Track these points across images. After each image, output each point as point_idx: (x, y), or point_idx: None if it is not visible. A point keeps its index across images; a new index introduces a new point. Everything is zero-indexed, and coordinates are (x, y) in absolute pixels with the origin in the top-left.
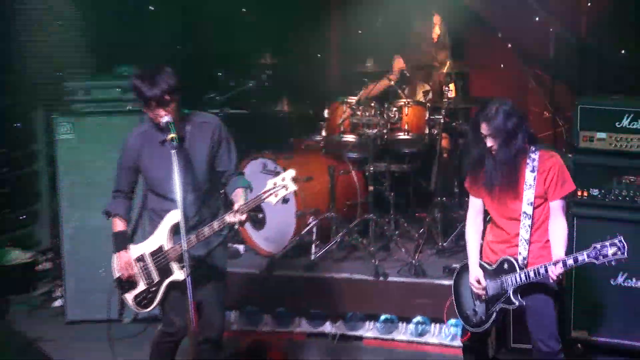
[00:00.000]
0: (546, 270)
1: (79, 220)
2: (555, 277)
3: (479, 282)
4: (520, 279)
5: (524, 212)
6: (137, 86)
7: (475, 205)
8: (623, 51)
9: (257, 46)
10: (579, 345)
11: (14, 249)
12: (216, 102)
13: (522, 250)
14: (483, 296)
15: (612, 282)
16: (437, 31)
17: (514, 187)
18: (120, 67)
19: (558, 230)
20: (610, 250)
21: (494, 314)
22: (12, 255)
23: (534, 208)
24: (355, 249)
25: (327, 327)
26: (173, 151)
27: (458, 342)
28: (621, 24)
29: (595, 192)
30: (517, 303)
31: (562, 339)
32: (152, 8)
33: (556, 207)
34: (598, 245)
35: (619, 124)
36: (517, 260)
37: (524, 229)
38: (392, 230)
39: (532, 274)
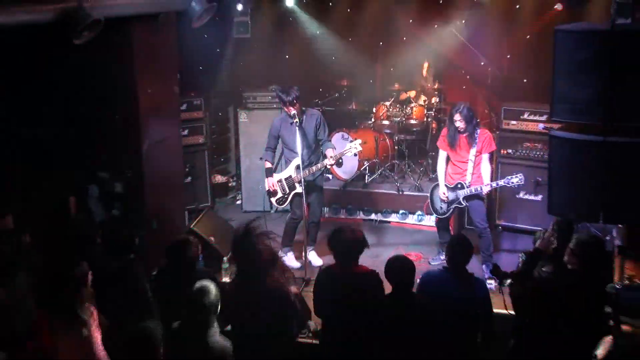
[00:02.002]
0: (481, 189)
1: (249, 161)
2: (485, 193)
3: (444, 194)
4: (466, 192)
5: (470, 159)
6: (280, 95)
7: (442, 155)
8: (525, 80)
9: (339, 74)
10: (500, 227)
11: (219, 174)
12: (318, 104)
13: (468, 178)
14: (446, 200)
15: (516, 196)
16: (425, 68)
17: (466, 145)
18: (271, 86)
19: (486, 169)
20: (515, 179)
21: (452, 209)
22: (217, 178)
23: (475, 157)
24: (387, 177)
25: (373, 216)
26: (297, 128)
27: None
28: (525, 64)
29: (510, 151)
30: (464, 204)
31: (491, 224)
32: (287, 56)
33: (485, 157)
34: (509, 177)
35: (522, 116)
36: (464, 183)
37: (469, 168)
38: (406, 168)
39: (473, 190)
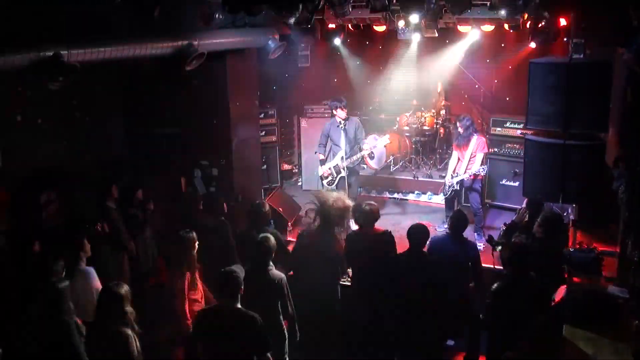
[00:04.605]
0: (464, 174)
1: (307, 154)
2: (467, 178)
3: (448, 181)
4: (457, 179)
5: (466, 157)
6: (334, 103)
7: (454, 154)
8: (507, 98)
9: (372, 93)
10: (488, 205)
11: (286, 163)
12: (357, 114)
13: (461, 169)
14: (447, 184)
15: (500, 183)
16: (439, 88)
17: (465, 148)
18: (324, 100)
19: (476, 163)
20: (482, 170)
21: (450, 191)
22: (284, 166)
23: (470, 156)
24: (406, 167)
25: (395, 195)
26: (342, 130)
27: (442, 201)
28: (508, 87)
29: (496, 150)
30: (456, 187)
31: (482, 203)
32: (335, 80)
33: (478, 157)
34: (479, 169)
35: (505, 125)
36: (459, 173)
37: (464, 162)
38: (421, 160)
39: (458, 176)
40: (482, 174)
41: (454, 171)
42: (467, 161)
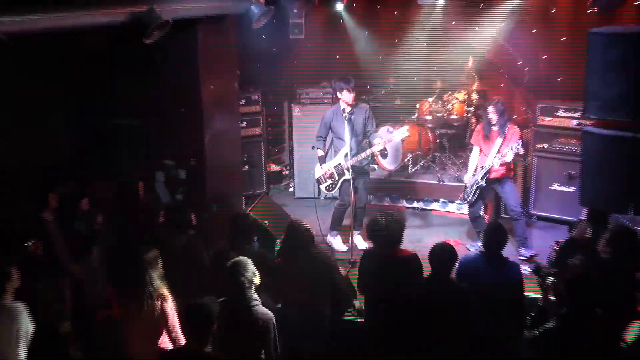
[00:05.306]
0: (493, 164)
1: (302, 151)
2: (495, 165)
3: (468, 181)
4: (483, 171)
5: (493, 152)
6: (339, 84)
7: (475, 150)
8: (559, 79)
9: (385, 72)
10: (534, 216)
11: (274, 164)
12: (366, 99)
13: (487, 161)
14: (467, 186)
15: (550, 187)
16: (470, 66)
17: (494, 140)
18: (323, 82)
19: (509, 155)
20: (514, 146)
21: (474, 192)
22: (271, 167)
23: (498, 152)
24: (429, 168)
25: (415, 204)
26: (346, 120)
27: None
28: (560, 64)
29: (545, 145)
30: (481, 183)
31: (527, 213)
32: (338, 56)
33: (509, 154)
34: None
35: (556, 113)
36: (484, 167)
37: (491, 153)
38: (447, 160)
39: (486, 167)
40: (516, 149)
41: (475, 170)
42: (495, 155)
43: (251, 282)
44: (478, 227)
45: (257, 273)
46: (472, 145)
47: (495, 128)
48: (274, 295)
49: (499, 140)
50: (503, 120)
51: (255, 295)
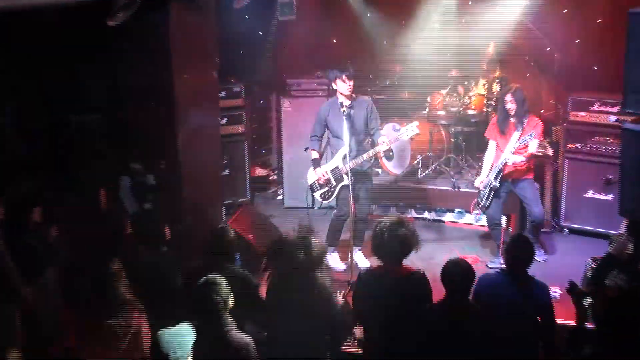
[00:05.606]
0: (508, 159)
1: (292, 152)
2: (513, 162)
3: (481, 182)
4: (496, 169)
5: (508, 148)
6: (335, 72)
7: (491, 145)
8: (595, 67)
9: (391, 60)
10: (566, 229)
11: (259, 167)
12: (368, 92)
13: (501, 158)
14: (481, 188)
15: (584, 195)
16: (490, 51)
17: (512, 133)
18: (317, 72)
19: (531, 148)
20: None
21: (488, 193)
22: (257, 171)
23: (517, 141)
24: (442, 172)
25: (426, 214)
26: (345, 116)
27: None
28: (596, 50)
29: (578, 145)
30: (494, 183)
31: (558, 225)
32: (335, 40)
33: (532, 145)
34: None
35: (591, 108)
36: (497, 164)
37: (508, 151)
38: (463, 163)
39: (500, 164)
40: (548, 151)
41: (490, 169)
42: (512, 151)
43: (226, 303)
44: (498, 238)
45: (231, 294)
46: (488, 139)
47: (513, 120)
48: (260, 324)
49: (516, 134)
50: (522, 110)
51: (231, 319)
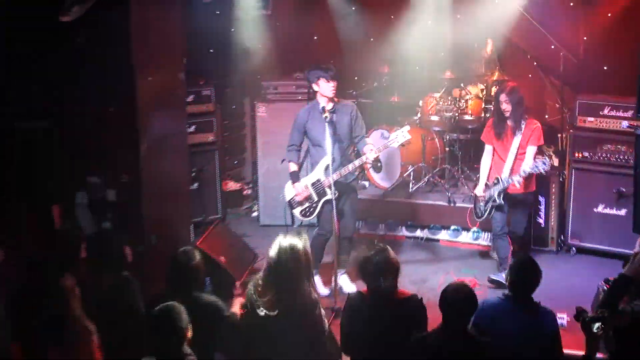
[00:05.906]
0: (512, 180)
1: (268, 164)
2: (516, 184)
3: (482, 191)
4: (501, 187)
5: (512, 152)
6: (316, 72)
7: (487, 150)
8: (605, 68)
9: (379, 59)
10: (573, 248)
11: (232, 180)
12: (353, 95)
13: (505, 172)
14: (482, 199)
15: (594, 210)
16: (488, 50)
17: (512, 137)
18: (296, 73)
19: (527, 162)
20: (540, 164)
21: (488, 209)
22: (229, 185)
23: (517, 149)
24: (436, 185)
25: (418, 233)
26: (327, 122)
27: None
28: (606, 49)
29: (586, 154)
30: (498, 201)
31: (564, 244)
32: (316, 37)
33: (530, 151)
34: (535, 164)
35: (601, 112)
36: (501, 178)
37: (509, 161)
38: (459, 174)
39: (506, 183)
40: (543, 170)
41: (488, 178)
42: (514, 159)
43: (185, 333)
44: (499, 252)
45: (190, 325)
46: (484, 143)
47: (509, 122)
48: (231, 354)
49: (516, 140)
50: (519, 113)
51: (189, 350)
